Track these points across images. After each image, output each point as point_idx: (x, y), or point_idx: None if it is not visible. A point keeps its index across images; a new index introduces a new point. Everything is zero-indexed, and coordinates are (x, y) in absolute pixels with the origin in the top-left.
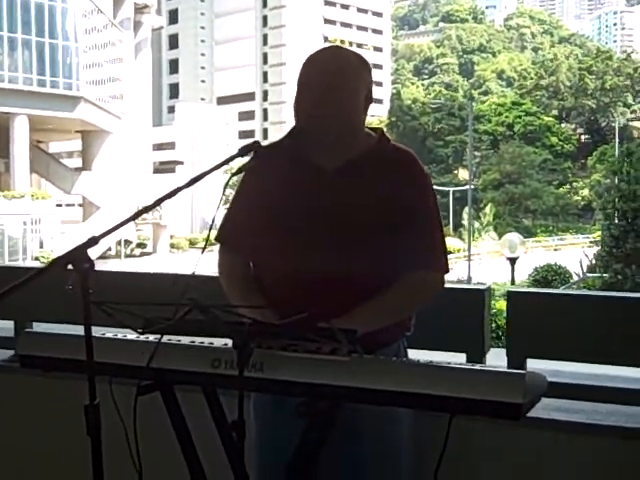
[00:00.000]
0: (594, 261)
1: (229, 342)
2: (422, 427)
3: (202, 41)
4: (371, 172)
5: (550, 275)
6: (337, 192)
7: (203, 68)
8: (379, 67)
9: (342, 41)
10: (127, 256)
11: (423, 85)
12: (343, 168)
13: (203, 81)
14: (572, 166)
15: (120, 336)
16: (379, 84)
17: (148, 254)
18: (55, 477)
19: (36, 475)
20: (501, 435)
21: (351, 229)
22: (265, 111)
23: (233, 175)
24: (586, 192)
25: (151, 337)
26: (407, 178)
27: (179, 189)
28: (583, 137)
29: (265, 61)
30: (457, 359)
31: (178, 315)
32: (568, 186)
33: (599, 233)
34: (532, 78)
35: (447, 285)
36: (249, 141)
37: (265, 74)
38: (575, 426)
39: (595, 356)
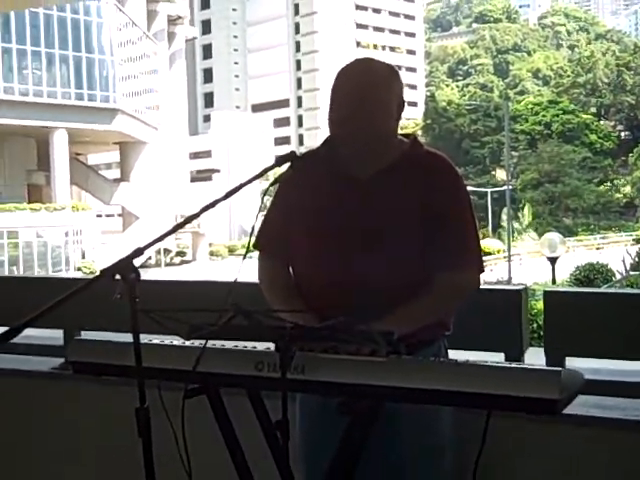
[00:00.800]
0: (637, 259)
1: (271, 346)
2: (461, 426)
3: (235, 50)
4: (404, 179)
5: (592, 274)
6: (371, 200)
7: (237, 76)
8: (413, 70)
9: (375, 45)
10: (167, 264)
11: (458, 87)
12: (376, 176)
13: (237, 89)
14: (613, 163)
15: (167, 342)
16: (413, 87)
17: (188, 262)
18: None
19: (89, 479)
20: (540, 432)
21: (386, 236)
22: (300, 117)
23: (271, 185)
24: (628, 189)
25: (196, 342)
26: (440, 183)
27: (217, 201)
28: (623, 134)
29: (298, 67)
30: (495, 359)
31: (222, 321)
32: (609, 184)
33: None
34: (569, 76)
35: (485, 286)
36: (285, 151)
37: (299, 80)
38: (614, 422)
39: (633, 353)
